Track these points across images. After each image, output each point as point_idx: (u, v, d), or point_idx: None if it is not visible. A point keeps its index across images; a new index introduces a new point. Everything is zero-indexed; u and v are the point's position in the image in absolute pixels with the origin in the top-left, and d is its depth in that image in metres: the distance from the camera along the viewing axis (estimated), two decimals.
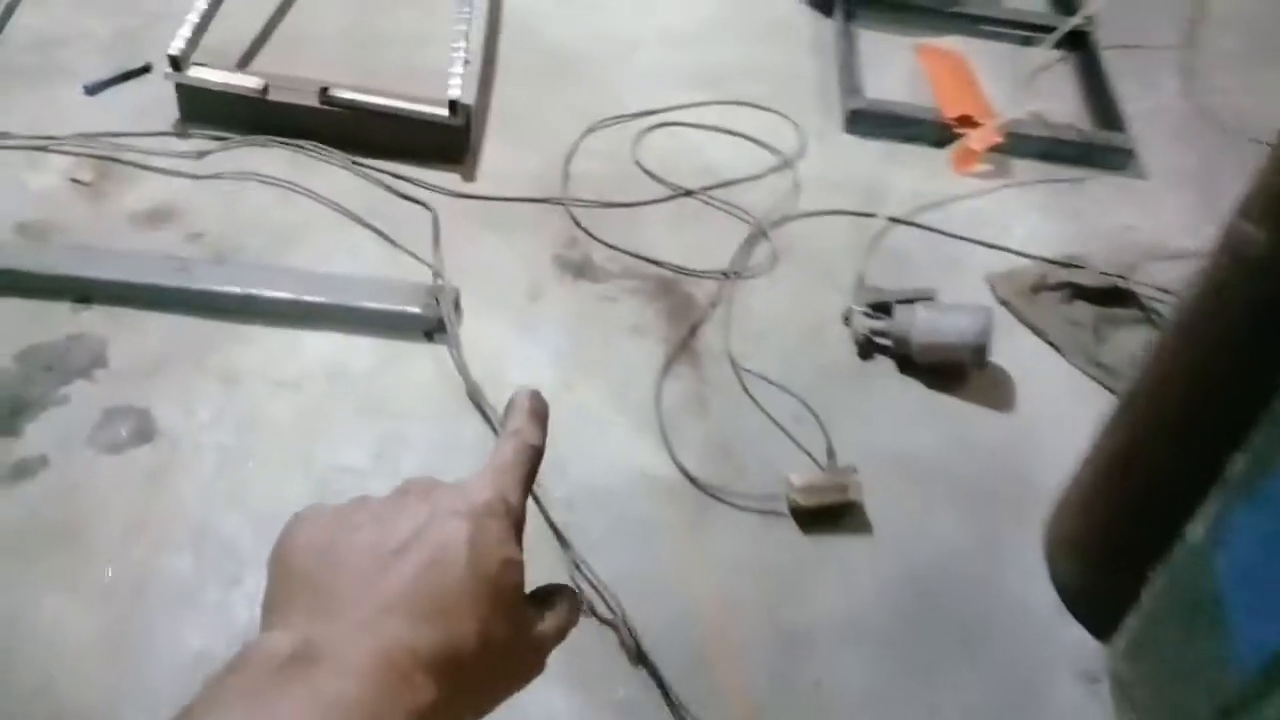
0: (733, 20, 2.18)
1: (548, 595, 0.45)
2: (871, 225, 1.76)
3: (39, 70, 1.81)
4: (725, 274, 1.65)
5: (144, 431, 1.33)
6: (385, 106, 1.70)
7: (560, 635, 0.45)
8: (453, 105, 1.69)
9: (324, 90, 1.70)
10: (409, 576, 0.39)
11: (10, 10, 1.90)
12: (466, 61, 1.73)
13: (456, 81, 1.69)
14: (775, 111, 1.96)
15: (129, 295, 1.46)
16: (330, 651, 0.36)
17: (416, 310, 1.47)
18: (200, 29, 1.73)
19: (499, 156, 1.80)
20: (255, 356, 1.43)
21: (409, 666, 0.37)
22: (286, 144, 1.72)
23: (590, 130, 1.86)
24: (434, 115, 1.70)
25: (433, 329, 1.49)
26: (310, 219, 1.63)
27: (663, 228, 1.72)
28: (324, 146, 1.72)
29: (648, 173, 1.80)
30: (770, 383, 1.50)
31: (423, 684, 0.37)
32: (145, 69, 1.83)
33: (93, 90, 1.78)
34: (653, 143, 1.87)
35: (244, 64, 1.87)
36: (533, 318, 1.55)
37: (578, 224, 1.69)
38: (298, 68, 1.81)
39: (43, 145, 1.67)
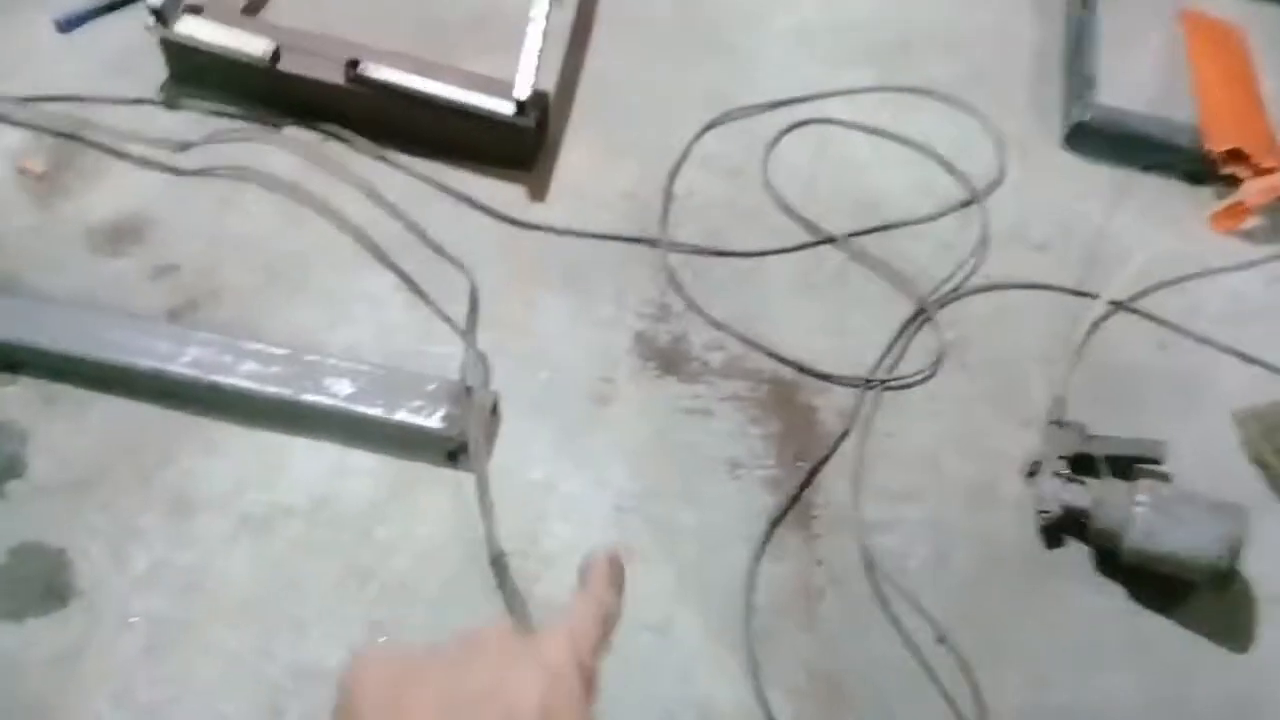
0: None
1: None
2: (1084, 309, 1.27)
3: None
4: (868, 381, 1.19)
5: (56, 588, 0.99)
6: (432, 95, 1.25)
7: None
8: (522, 105, 1.23)
9: (352, 64, 1.25)
10: None
11: None
12: (545, 35, 1.25)
13: (529, 72, 1.22)
14: (967, 107, 1.44)
15: (69, 369, 1.09)
16: None
17: (437, 426, 1.07)
18: None
19: (582, 162, 1.34)
20: (220, 474, 1.07)
21: None
22: (300, 126, 1.29)
23: (710, 126, 1.38)
24: (496, 112, 1.25)
25: (457, 450, 1.09)
26: (317, 249, 1.22)
27: (789, 293, 1.26)
28: (349, 134, 1.29)
29: (780, 202, 1.32)
30: (906, 597, 1.07)
31: None
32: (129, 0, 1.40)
33: (66, 26, 1.36)
34: (791, 150, 1.38)
35: (257, 7, 1.41)
36: (593, 436, 1.13)
37: (674, 281, 1.24)
38: (329, 15, 1.36)
39: None
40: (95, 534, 1.02)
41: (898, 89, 1.44)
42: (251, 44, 1.26)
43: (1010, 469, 1.16)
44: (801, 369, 1.20)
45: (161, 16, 1.25)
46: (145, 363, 1.08)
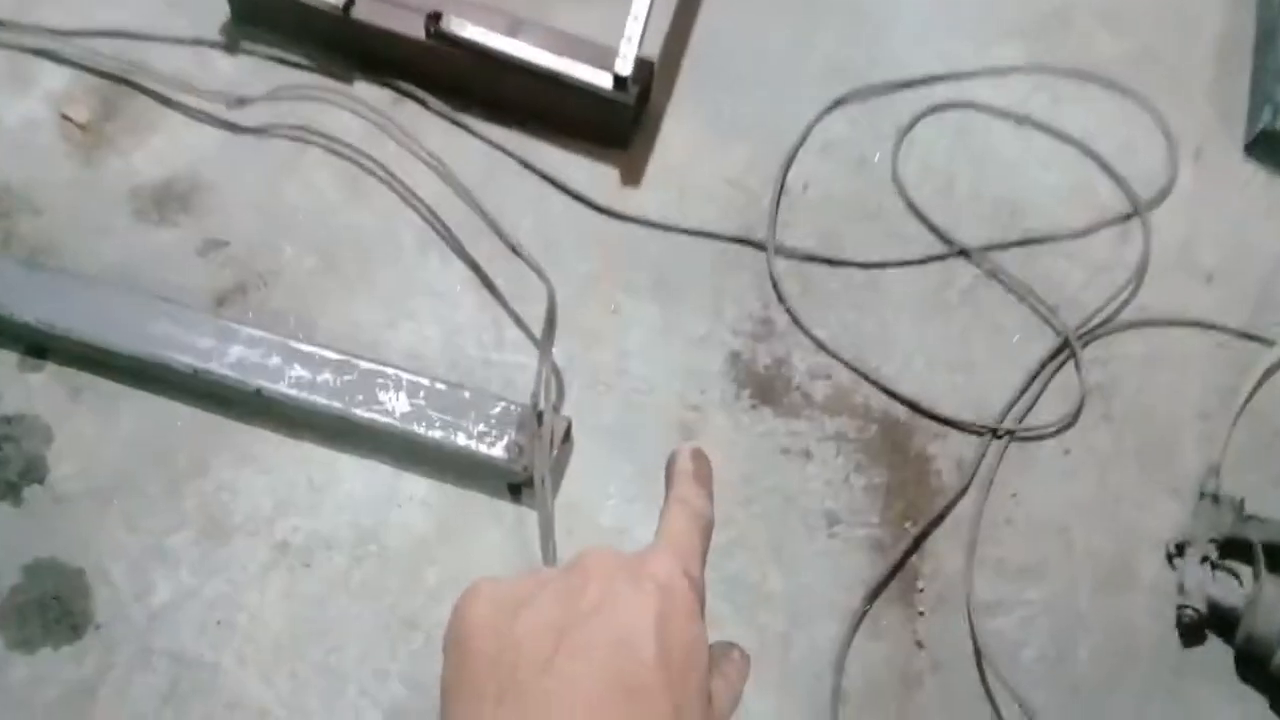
0: None
1: (715, 660, 0.41)
2: (1255, 356, 1.09)
3: None
4: (995, 430, 1.03)
5: (71, 615, 0.90)
6: (520, 59, 1.09)
7: (736, 703, 0.41)
8: (622, 80, 1.07)
9: (433, 17, 1.09)
10: (597, 662, 0.36)
11: None
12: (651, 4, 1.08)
13: (633, 42, 1.05)
14: (1135, 97, 1.23)
15: (100, 359, 0.99)
16: None
17: (500, 456, 0.95)
18: None
19: (685, 142, 1.17)
20: (258, 491, 0.96)
21: None
22: (372, 82, 1.15)
23: (836, 105, 1.20)
24: (593, 84, 1.08)
25: (521, 484, 0.97)
26: (382, 229, 1.09)
27: (910, 315, 1.09)
28: (425, 94, 1.14)
29: (909, 203, 1.15)
30: (1016, 697, 0.93)
31: None
32: None
33: None
34: (926, 138, 1.19)
35: None
36: None
37: (779, 293, 1.09)
38: None
39: (35, 47, 1.15)
40: (118, 554, 0.93)
41: (1054, 71, 1.24)
42: None
43: (1151, 547, 1.00)
44: (918, 409, 1.04)
45: None
46: (184, 359, 0.97)
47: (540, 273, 1.00)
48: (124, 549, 0.93)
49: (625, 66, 1.06)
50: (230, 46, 1.17)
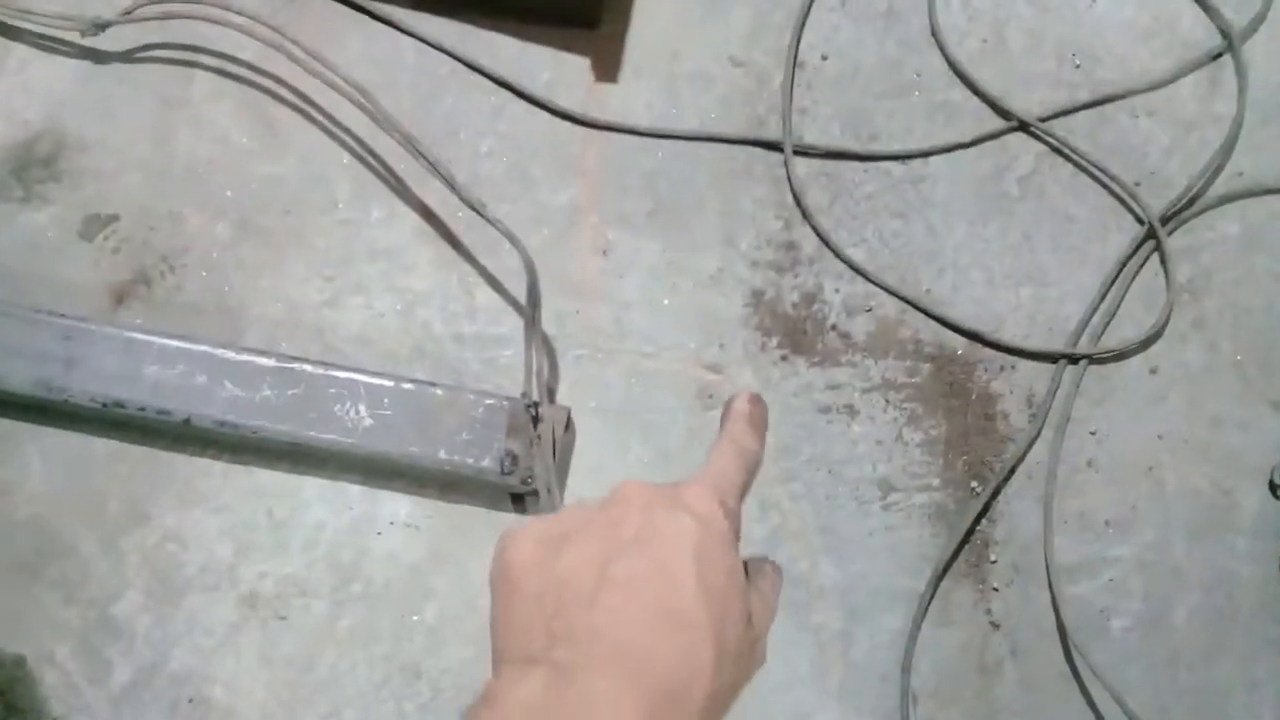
0: None
1: (750, 578, 0.41)
2: None
3: None
4: (1069, 355, 0.87)
5: (20, 712, 0.78)
6: None
7: (771, 618, 0.42)
8: None
9: None
10: (638, 595, 0.37)
11: None
12: None
13: None
14: None
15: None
16: (582, 688, 0.35)
17: (492, 469, 0.79)
18: None
19: (668, 9, 0.93)
20: (209, 535, 0.81)
21: (664, 698, 0.35)
22: None
23: None
24: None
25: (524, 493, 0.82)
26: (309, 176, 0.88)
27: (962, 214, 0.90)
28: None
29: (952, 64, 0.93)
30: (1105, 683, 0.82)
31: (675, 711, 0.35)
32: None
33: None
34: None
35: None
36: (697, 452, 0.83)
37: (801, 206, 0.89)
38: None
39: None
40: (61, 632, 0.79)
41: None
42: None
43: (1254, 477, 0.86)
44: (978, 338, 0.88)
45: None
46: (89, 390, 0.79)
47: (513, 240, 0.80)
48: (66, 625, 0.79)
49: None
50: None
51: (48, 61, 0.88)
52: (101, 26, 0.85)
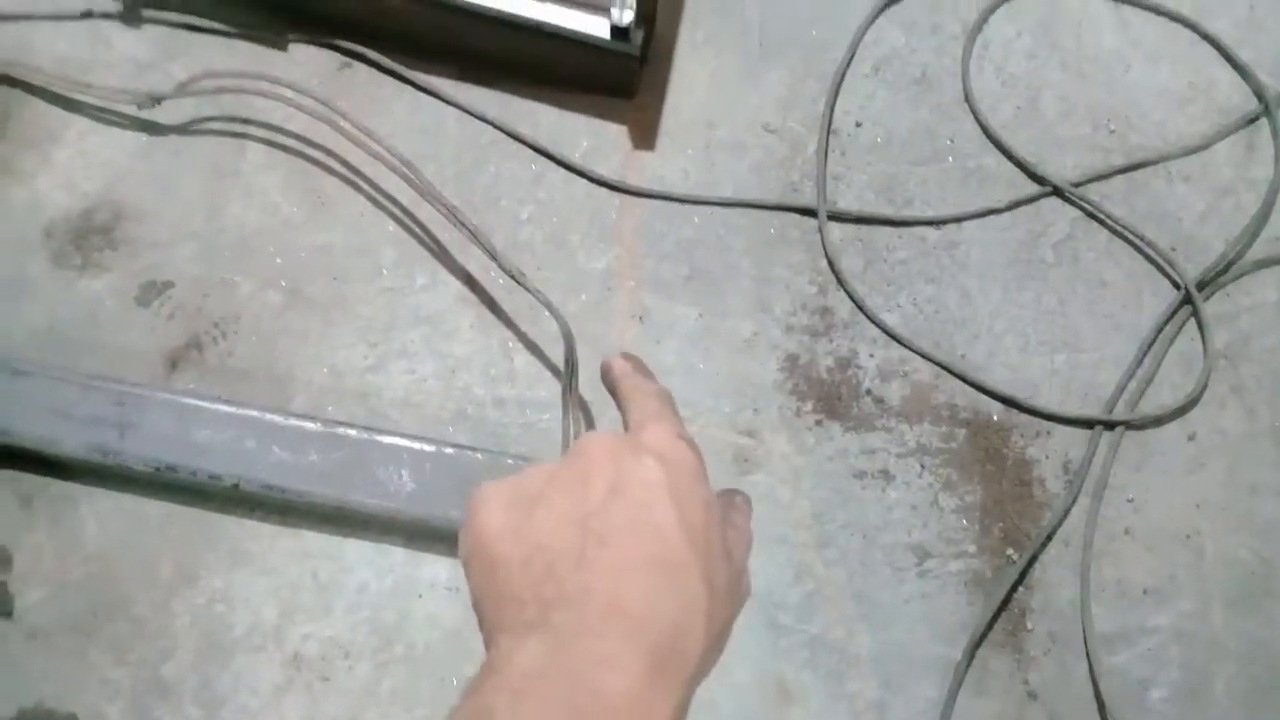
0: None
1: (724, 512, 0.42)
2: None
3: None
4: (1104, 422, 0.87)
5: None
6: (491, 10, 0.86)
7: (749, 548, 0.43)
8: (621, 29, 0.84)
9: None
10: (624, 545, 0.36)
11: None
12: None
13: None
14: None
15: (48, 459, 0.84)
16: (583, 649, 0.35)
17: None
18: None
19: (703, 78, 0.95)
20: (258, 596, 0.83)
21: (665, 647, 0.35)
22: (312, 43, 0.93)
23: (892, 1, 0.96)
24: (586, 35, 0.86)
25: None
26: (356, 245, 0.90)
27: (996, 280, 0.91)
28: (380, 55, 0.92)
29: (986, 130, 0.94)
30: None
31: (676, 658, 0.36)
32: None
33: None
34: (1002, 36, 0.97)
35: None
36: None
37: (835, 271, 0.90)
38: None
39: None
40: (112, 691, 0.81)
41: None
42: None
43: None
44: (1013, 403, 0.88)
45: None
46: (145, 454, 0.82)
47: (551, 308, 0.82)
48: (117, 685, 0.81)
49: (624, 15, 0.83)
50: (129, 16, 0.94)
51: (106, 134, 0.91)
52: (157, 100, 0.89)
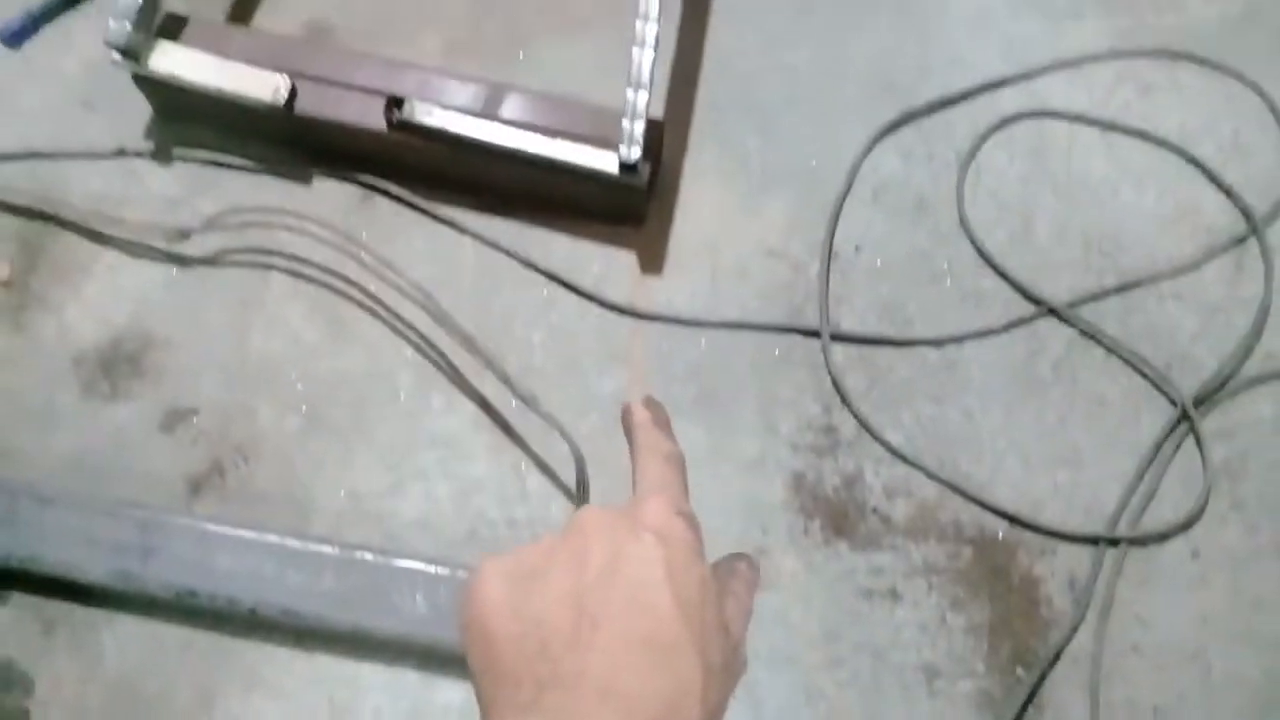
0: None
1: (723, 580, 0.42)
2: None
3: None
4: (1107, 539, 0.89)
5: None
6: (502, 147, 0.90)
7: (748, 619, 0.42)
8: (627, 165, 0.88)
9: (393, 104, 0.90)
10: (618, 626, 0.37)
11: None
12: (655, 48, 0.88)
13: (637, 118, 0.86)
14: (1235, 73, 1.03)
15: (70, 585, 0.85)
16: None
17: None
18: None
19: (709, 203, 0.99)
20: (273, 716, 0.84)
21: None
22: (333, 176, 0.97)
23: (888, 130, 1.01)
24: (594, 170, 0.90)
25: None
26: (375, 370, 0.93)
27: (996, 398, 0.93)
28: (399, 188, 0.96)
29: (981, 253, 0.97)
30: None
31: None
32: None
33: (13, 38, 1.02)
34: (996, 162, 1.00)
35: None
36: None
37: (839, 391, 0.93)
38: (369, 3, 1.00)
39: None
40: None
41: (1140, 53, 1.03)
42: (257, 83, 0.91)
43: None
44: (1017, 521, 0.90)
45: (129, 52, 0.90)
46: (166, 580, 0.83)
47: (563, 432, 0.85)
48: None
49: (633, 151, 0.87)
50: (160, 154, 0.98)
51: (135, 266, 0.95)
52: (186, 234, 0.93)
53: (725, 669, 0.39)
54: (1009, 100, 1.02)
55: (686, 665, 0.37)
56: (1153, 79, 1.03)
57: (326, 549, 0.85)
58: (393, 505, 0.89)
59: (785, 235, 0.98)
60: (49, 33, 1.03)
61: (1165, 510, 0.90)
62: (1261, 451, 0.92)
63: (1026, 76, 1.02)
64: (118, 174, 0.98)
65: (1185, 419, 0.92)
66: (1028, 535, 0.90)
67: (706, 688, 0.37)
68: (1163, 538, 0.89)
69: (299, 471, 0.90)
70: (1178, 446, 0.92)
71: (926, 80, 1.02)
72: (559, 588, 0.38)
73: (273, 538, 0.85)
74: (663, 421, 0.46)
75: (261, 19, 1.04)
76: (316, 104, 0.93)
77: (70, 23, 1.04)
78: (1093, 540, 0.89)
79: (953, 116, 1.01)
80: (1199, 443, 0.91)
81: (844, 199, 0.98)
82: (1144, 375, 0.94)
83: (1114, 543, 0.89)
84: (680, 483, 0.43)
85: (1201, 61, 1.03)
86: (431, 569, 0.84)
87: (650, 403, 0.47)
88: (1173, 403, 0.93)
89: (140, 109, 0.99)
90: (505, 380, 0.87)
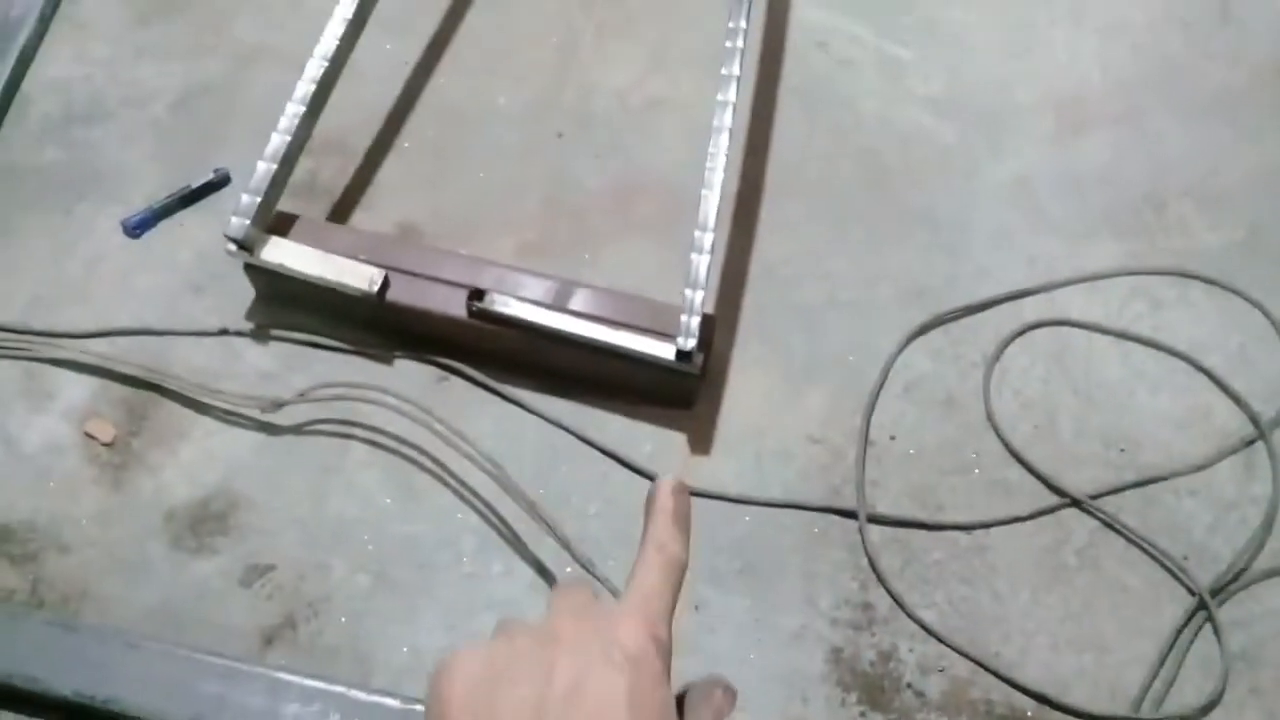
0: (1183, 71, 1.28)
1: (694, 706, 0.43)
2: None
3: (56, 177, 1.19)
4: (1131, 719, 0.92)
5: None
6: (571, 334, 1.00)
7: None
8: (683, 354, 0.98)
9: (475, 295, 1.01)
10: None
11: (26, 60, 1.25)
12: (711, 252, 0.99)
13: (693, 313, 0.96)
14: (1240, 292, 1.13)
15: None
16: None
17: None
18: (286, 164, 1.05)
19: (755, 393, 1.08)
20: None
21: None
22: (414, 358, 1.07)
23: (914, 336, 1.10)
24: (654, 357, 0.99)
25: None
26: (436, 534, 1.00)
27: (1024, 583, 0.99)
28: (474, 371, 1.06)
29: (1008, 447, 1.04)
30: None
31: None
32: (220, 183, 1.17)
33: (136, 227, 1.15)
34: (1020, 365, 1.09)
35: (357, 199, 1.18)
36: None
37: (875, 570, 0.98)
38: (444, 196, 1.13)
39: (52, 357, 1.07)
40: None
41: (1151, 271, 1.14)
42: (354, 274, 1.02)
43: None
44: (1046, 700, 0.94)
45: (244, 244, 1.02)
46: None
47: (617, 595, 0.91)
48: None
49: (689, 341, 0.96)
50: (258, 335, 1.09)
51: (228, 433, 1.04)
52: (279, 405, 1.02)
53: None
54: (1030, 309, 1.12)
55: None
56: (1163, 295, 1.13)
57: (389, 701, 0.90)
58: None
59: (825, 423, 1.06)
60: (167, 225, 1.16)
61: (1187, 694, 0.94)
62: (1277, 640, 0.96)
63: (1046, 289, 1.13)
64: (219, 351, 1.08)
65: (1203, 608, 0.97)
66: (1056, 715, 0.93)
67: None
68: None
69: (365, 628, 0.96)
70: (1196, 633, 0.97)
71: (954, 289, 1.13)
72: (522, 695, 0.38)
73: (339, 688, 0.90)
74: (683, 516, 0.45)
75: (358, 219, 1.17)
76: (405, 294, 1.04)
77: (186, 217, 1.17)
78: None
79: (978, 322, 1.11)
80: (1216, 631, 0.96)
81: (879, 392, 1.07)
82: (1163, 565, 0.99)
83: None
84: (670, 596, 0.43)
85: (1208, 281, 1.13)
86: None
87: (679, 490, 0.46)
88: (1191, 592, 0.98)
89: (243, 294, 1.10)
90: (565, 545, 0.94)
